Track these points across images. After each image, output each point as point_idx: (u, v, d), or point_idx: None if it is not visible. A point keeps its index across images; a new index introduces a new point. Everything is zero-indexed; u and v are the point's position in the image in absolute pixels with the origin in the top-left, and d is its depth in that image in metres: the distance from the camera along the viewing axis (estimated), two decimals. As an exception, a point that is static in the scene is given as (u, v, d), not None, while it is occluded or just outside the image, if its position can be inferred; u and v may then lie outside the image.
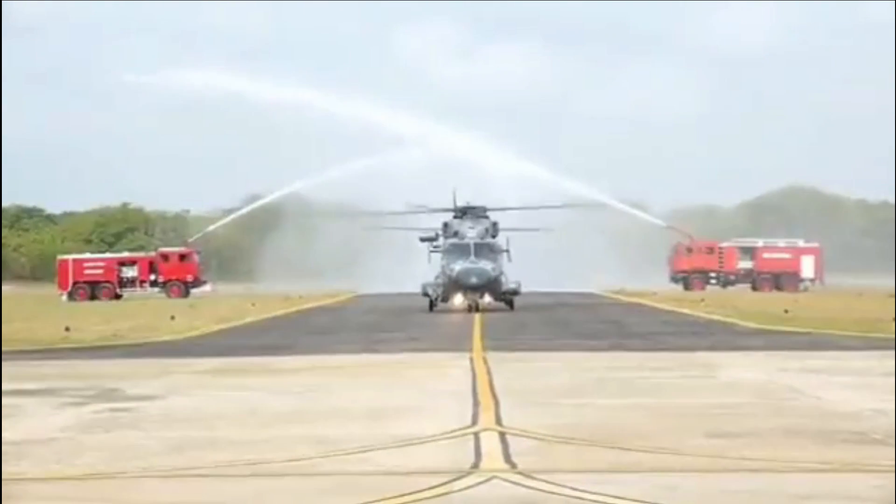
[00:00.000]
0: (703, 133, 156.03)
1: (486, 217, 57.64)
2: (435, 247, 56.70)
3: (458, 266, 51.14)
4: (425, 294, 53.21)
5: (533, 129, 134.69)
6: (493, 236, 55.98)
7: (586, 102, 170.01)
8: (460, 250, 52.57)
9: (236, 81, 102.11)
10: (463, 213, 57.35)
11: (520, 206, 67.29)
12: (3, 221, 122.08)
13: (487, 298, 51.53)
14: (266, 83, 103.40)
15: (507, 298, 52.85)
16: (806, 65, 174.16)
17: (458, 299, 51.55)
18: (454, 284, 51.46)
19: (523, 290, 53.92)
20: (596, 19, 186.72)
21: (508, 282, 53.04)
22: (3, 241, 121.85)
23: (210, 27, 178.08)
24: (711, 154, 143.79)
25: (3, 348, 27.57)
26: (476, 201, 58.66)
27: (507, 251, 55.18)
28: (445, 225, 57.35)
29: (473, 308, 49.55)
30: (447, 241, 55.37)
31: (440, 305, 52.30)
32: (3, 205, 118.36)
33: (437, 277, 53.73)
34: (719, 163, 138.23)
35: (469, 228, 55.25)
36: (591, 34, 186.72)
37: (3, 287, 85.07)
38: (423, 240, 58.50)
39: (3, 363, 23.32)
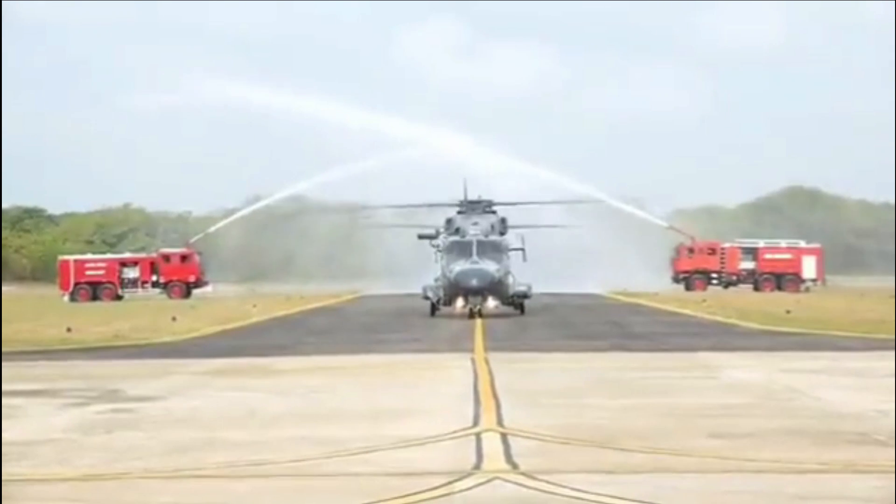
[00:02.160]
0: (704, 133, 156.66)
1: (493, 212, 53.60)
2: (436, 245, 51.79)
3: (458, 267, 45.73)
4: (426, 297, 48.09)
5: (534, 129, 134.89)
6: (502, 233, 51.52)
7: (587, 102, 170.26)
8: (461, 249, 47.25)
9: (238, 83, 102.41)
10: (467, 207, 53.66)
11: (520, 202, 66.61)
12: (4, 222, 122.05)
13: (493, 302, 46.33)
14: (268, 85, 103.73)
15: (517, 302, 48.05)
16: (807, 65, 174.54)
17: (460, 303, 45.79)
18: (453, 287, 46.01)
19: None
20: (597, 19, 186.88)
21: (517, 283, 48.08)
22: (4, 241, 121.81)
23: (212, 29, 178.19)
24: (712, 154, 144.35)
25: (4, 349, 27.59)
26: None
27: (523, 249, 51.31)
28: (448, 221, 52.84)
29: (476, 314, 44.20)
30: (448, 238, 50.26)
31: (442, 310, 47.10)
32: (4, 206, 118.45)
33: (436, 280, 48.97)
34: (720, 163, 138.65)
35: (472, 225, 50.38)
36: (593, 34, 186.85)
37: (4, 288, 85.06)
38: (421, 237, 54.64)
39: (3, 364, 23.34)
